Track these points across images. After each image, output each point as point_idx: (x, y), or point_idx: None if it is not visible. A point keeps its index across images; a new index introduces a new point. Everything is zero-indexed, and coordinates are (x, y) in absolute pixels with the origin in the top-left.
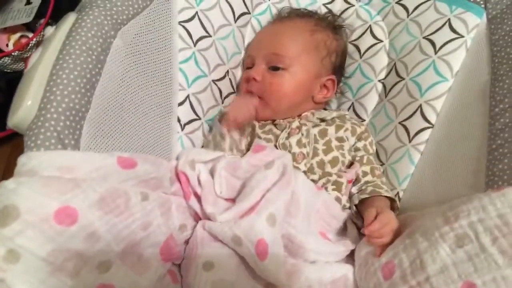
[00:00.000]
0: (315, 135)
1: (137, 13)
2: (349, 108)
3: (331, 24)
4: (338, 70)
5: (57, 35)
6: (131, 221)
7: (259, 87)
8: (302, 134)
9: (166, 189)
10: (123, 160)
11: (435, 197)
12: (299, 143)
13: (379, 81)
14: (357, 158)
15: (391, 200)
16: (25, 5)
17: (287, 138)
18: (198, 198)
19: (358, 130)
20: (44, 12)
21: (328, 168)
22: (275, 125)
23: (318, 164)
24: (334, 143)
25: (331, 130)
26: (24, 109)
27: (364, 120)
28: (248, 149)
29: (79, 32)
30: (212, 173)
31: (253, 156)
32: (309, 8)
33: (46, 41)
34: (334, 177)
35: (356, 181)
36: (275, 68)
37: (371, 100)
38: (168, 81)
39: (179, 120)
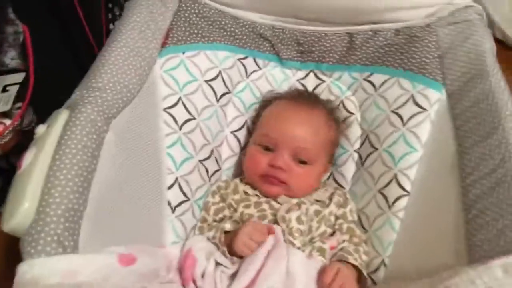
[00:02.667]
0: (311, 214)
1: (126, 105)
2: (329, 177)
3: (339, 119)
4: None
5: (50, 134)
6: None
7: (286, 177)
8: (302, 212)
9: (163, 278)
10: (123, 257)
11: (418, 264)
12: (298, 219)
13: (355, 151)
14: (337, 227)
15: (360, 271)
16: (1, 92)
17: (287, 212)
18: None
19: (341, 201)
20: (21, 95)
21: (315, 239)
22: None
23: (309, 239)
24: (325, 219)
25: (326, 211)
26: (21, 212)
27: (344, 188)
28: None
29: (73, 131)
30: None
31: None
32: (284, 84)
33: (39, 141)
34: (318, 244)
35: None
36: (301, 161)
37: (349, 169)
38: (157, 166)
39: (169, 204)
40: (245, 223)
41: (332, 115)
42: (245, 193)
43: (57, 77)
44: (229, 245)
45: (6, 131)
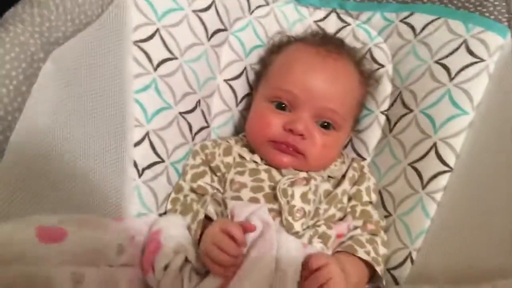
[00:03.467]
0: (320, 194)
1: (78, 30)
2: (346, 145)
3: (369, 74)
4: None
5: None
6: None
7: (306, 146)
8: (310, 189)
9: (112, 261)
10: (45, 231)
11: (458, 262)
12: (304, 196)
13: (382, 112)
14: (349, 210)
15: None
16: None
17: (290, 185)
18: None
19: (356, 176)
20: None
21: (319, 222)
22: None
23: (313, 223)
24: (337, 200)
25: (338, 190)
26: None
27: (365, 159)
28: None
29: None
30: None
31: None
32: (298, 25)
33: None
34: (322, 228)
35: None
36: (326, 126)
37: (373, 135)
38: (119, 116)
39: (135, 165)
40: (212, 224)
41: (362, 68)
42: (240, 156)
43: None
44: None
45: None
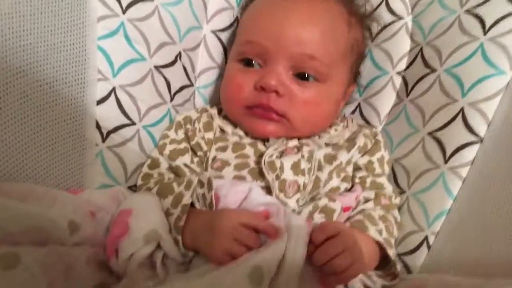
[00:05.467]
0: (319, 160)
1: None
2: (354, 111)
3: (364, 16)
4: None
5: None
6: None
7: (283, 105)
8: (303, 156)
9: (63, 240)
10: None
11: (484, 251)
12: (295, 167)
13: (398, 73)
14: (357, 180)
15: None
16: None
17: (279, 157)
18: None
19: (368, 144)
20: None
21: (320, 195)
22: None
23: (312, 197)
24: (340, 169)
25: (342, 155)
26: None
27: (375, 127)
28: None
29: None
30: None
31: None
32: None
33: None
34: (324, 201)
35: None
36: (304, 77)
37: (386, 100)
38: (79, 66)
39: (98, 127)
40: (225, 212)
41: (353, 8)
42: (222, 131)
43: None
44: (189, 236)
45: None
